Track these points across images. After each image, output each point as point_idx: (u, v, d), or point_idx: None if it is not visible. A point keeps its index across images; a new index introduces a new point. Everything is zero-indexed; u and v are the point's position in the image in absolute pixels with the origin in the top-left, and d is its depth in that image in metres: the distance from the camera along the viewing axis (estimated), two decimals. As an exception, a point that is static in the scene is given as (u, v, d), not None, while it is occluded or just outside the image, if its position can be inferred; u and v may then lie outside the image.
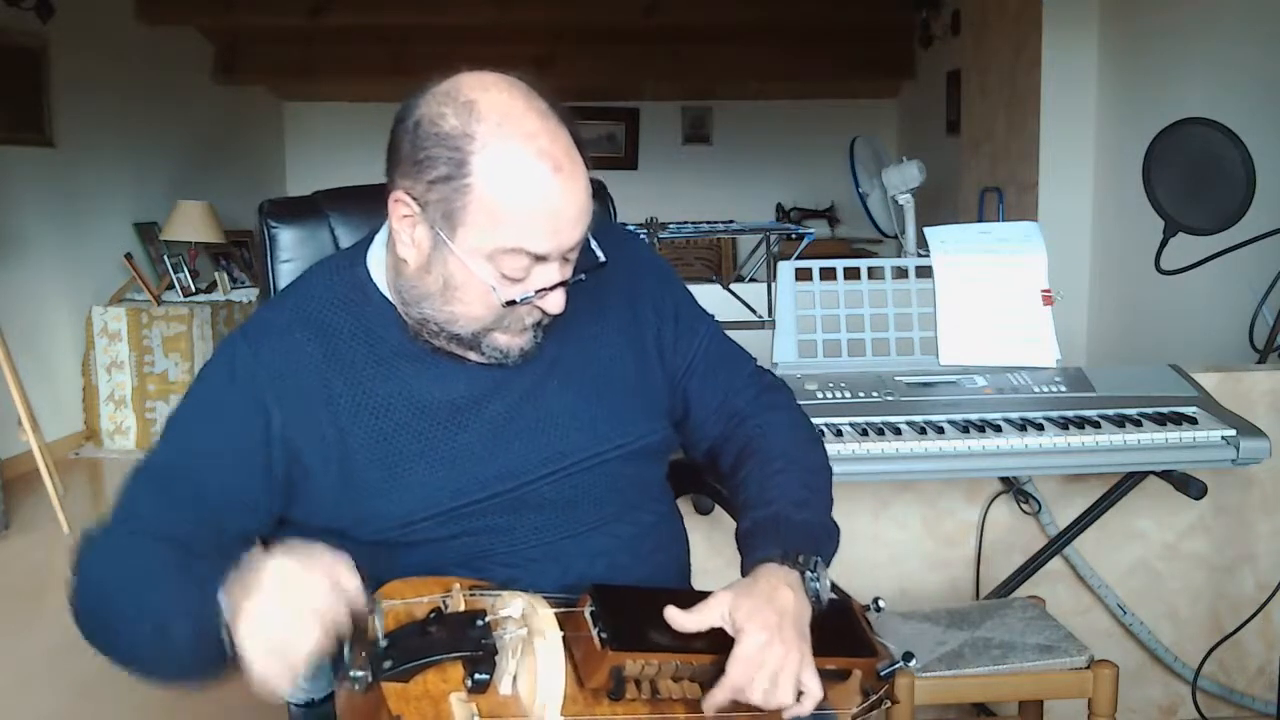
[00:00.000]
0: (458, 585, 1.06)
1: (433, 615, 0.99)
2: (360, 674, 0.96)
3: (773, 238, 3.05)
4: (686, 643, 1.05)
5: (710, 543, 1.73)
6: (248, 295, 5.57)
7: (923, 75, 6.47)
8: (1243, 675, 2.25)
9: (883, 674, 1.13)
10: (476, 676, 0.98)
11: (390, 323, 1.20)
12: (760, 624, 1.04)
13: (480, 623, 1.01)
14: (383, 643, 0.98)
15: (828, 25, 6.44)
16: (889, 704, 1.16)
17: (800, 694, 1.04)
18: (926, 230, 2.11)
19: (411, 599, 1.03)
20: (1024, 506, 2.16)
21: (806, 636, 1.06)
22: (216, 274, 5.64)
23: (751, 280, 3.23)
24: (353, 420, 1.16)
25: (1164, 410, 1.87)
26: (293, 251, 1.48)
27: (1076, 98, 4.01)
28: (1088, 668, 1.71)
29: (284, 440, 1.14)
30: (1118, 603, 2.18)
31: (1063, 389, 1.93)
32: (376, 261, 1.22)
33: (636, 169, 7.32)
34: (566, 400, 1.22)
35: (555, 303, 1.14)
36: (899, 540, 2.17)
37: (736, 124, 7.32)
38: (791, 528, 1.17)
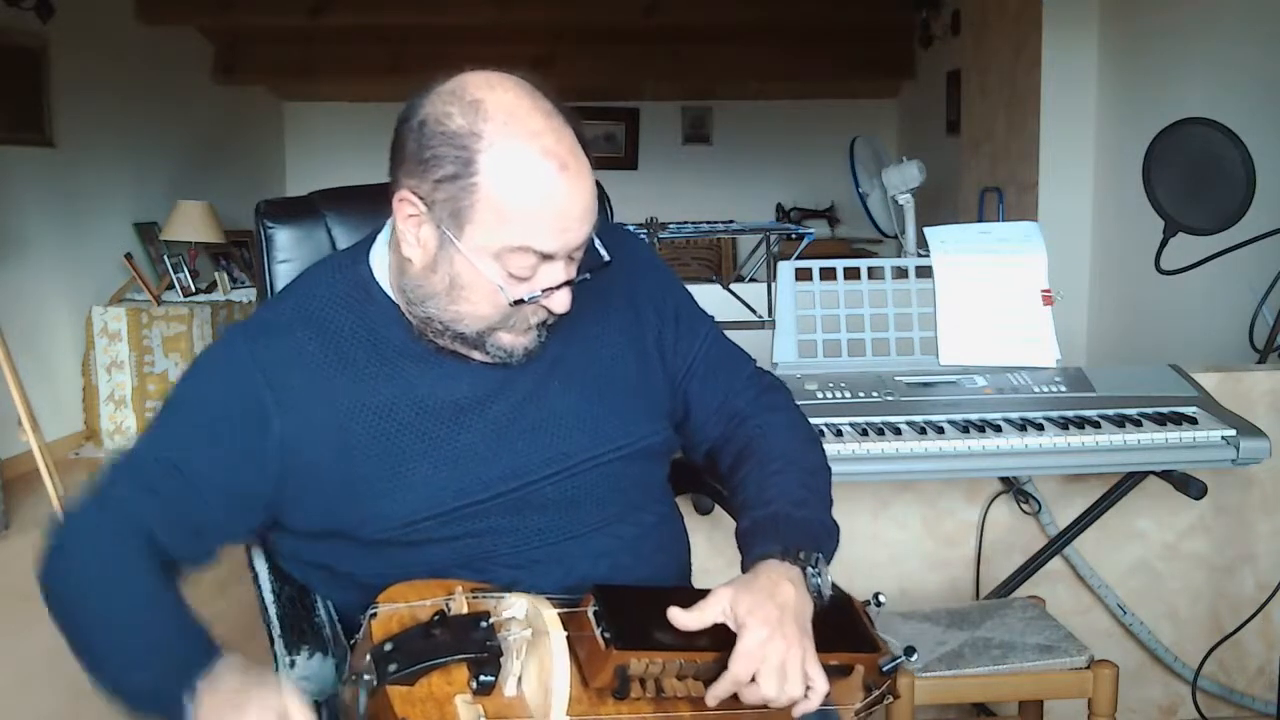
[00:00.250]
0: (460, 588, 1.06)
1: (436, 618, 1.00)
2: (365, 677, 0.96)
3: (773, 238, 3.05)
4: (690, 641, 1.05)
5: (710, 543, 1.73)
6: (248, 295, 5.57)
7: (923, 75, 6.47)
8: (1243, 675, 2.25)
9: (885, 669, 1.13)
10: (481, 678, 0.99)
11: (393, 322, 1.20)
12: (762, 618, 1.04)
13: (484, 624, 1.01)
14: (387, 646, 0.98)
15: (828, 25, 6.44)
16: (891, 699, 1.16)
17: (807, 689, 1.05)
18: (926, 230, 2.11)
19: (415, 602, 1.04)
20: (1024, 506, 2.16)
21: (808, 631, 1.07)
22: (216, 274, 5.64)
23: (751, 280, 3.23)
24: (354, 420, 1.15)
25: (1164, 410, 1.87)
26: (290, 252, 1.48)
27: (1076, 98, 4.01)
28: (1088, 668, 1.72)
29: (282, 441, 1.14)
30: (1118, 603, 2.18)
31: (1063, 389, 1.93)
32: (379, 261, 1.22)
33: (636, 169, 7.32)
34: (569, 401, 1.22)
35: (561, 302, 1.14)
36: (899, 540, 2.17)
37: (736, 124, 7.32)
38: (791, 525, 1.17)
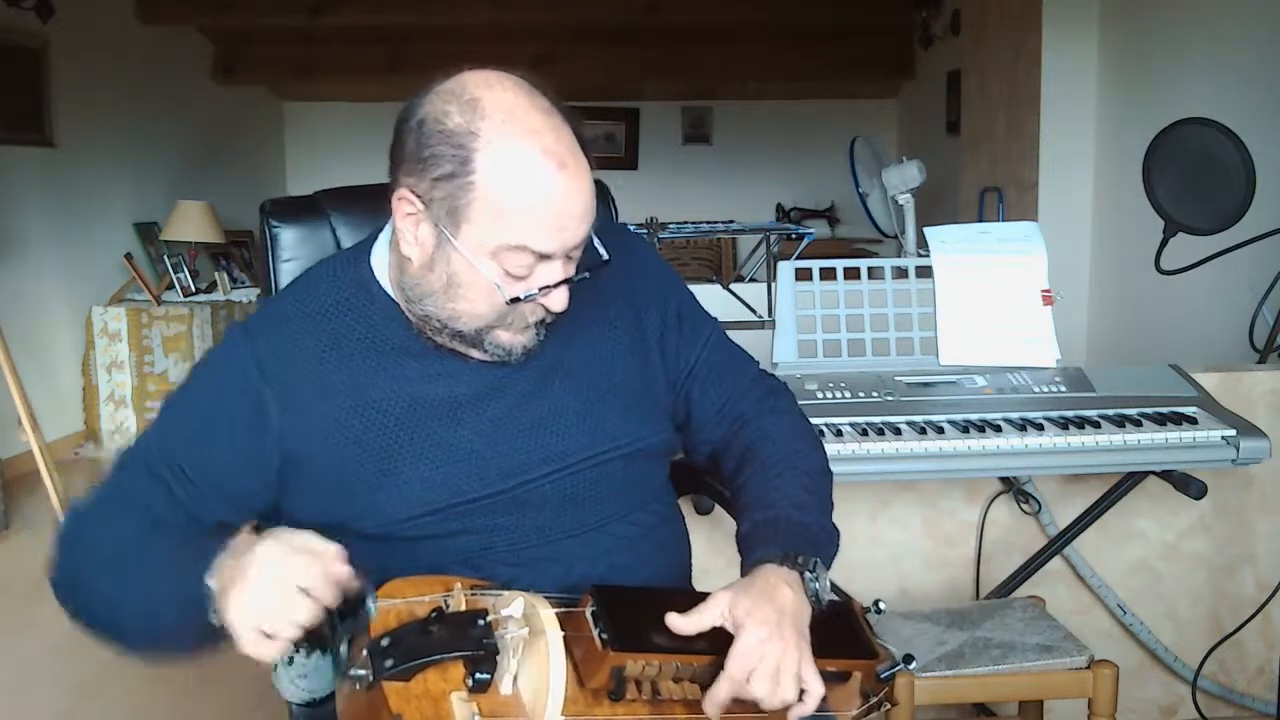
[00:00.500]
0: (459, 584, 1.06)
1: (434, 614, 1.00)
2: (361, 673, 0.96)
3: (773, 238, 3.05)
4: (687, 643, 1.05)
5: (711, 543, 1.73)
6: (248, 295, 5.57)
7: (923, 75, 6.47)
8: (1243, 675, 2.25)
9: (882, 676, 1.13)
10: (477, 676, 0.99)
11: (393, 320, 1.20)
12: (759, 619, 1.04)
13: (481, 622, 1.01)
14: (384, 641, 0.98)
15: (828, 25, 6.44)
16: (888, 706, 1.16)
17: (802, 692, 1.04)
18: (926, 230, 2.11)
19: (412, 598, 1.03)
20: (1024, 506, 2.16)
21: (806, 635, 1.06)
22: (216, 274, 5.64)
23: (751, 280, 3.23)
24: (353, 416, 1.16)
25: (1164, 410, 1.87)
26: (294, 251, 1.48)
27: (1076, 98, 4.01)
28: (1088, 668, 1.71)
29: (281, 437, 1.15)
30: (1118, 603, 2.18)
31: (1063, 389, 1.93)
32: (380, 260, 1.23)
33: (636, 169, 7.32)
34: (569, 400, 1.22)
35: (559, 300, 1.14)
36: (899, 540, 2.17)
37: (736, 124, 7.32)
38: (791, 529, 1.17)
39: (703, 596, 1.08)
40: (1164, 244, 2.26)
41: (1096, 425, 1.83)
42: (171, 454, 1.14)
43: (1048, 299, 2.03)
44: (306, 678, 1.34)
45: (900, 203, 3.41)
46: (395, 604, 1.02)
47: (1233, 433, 1.80)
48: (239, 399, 1.15)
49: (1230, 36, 3.20)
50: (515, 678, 1.02)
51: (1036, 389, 1.93)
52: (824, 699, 1.06)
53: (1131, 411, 1.86)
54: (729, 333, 1.41)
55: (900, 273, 2.08)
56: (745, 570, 1.15)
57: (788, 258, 2.18)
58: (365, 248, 1.26)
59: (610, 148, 7.26)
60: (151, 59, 5.70)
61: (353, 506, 1.16)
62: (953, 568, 2.18)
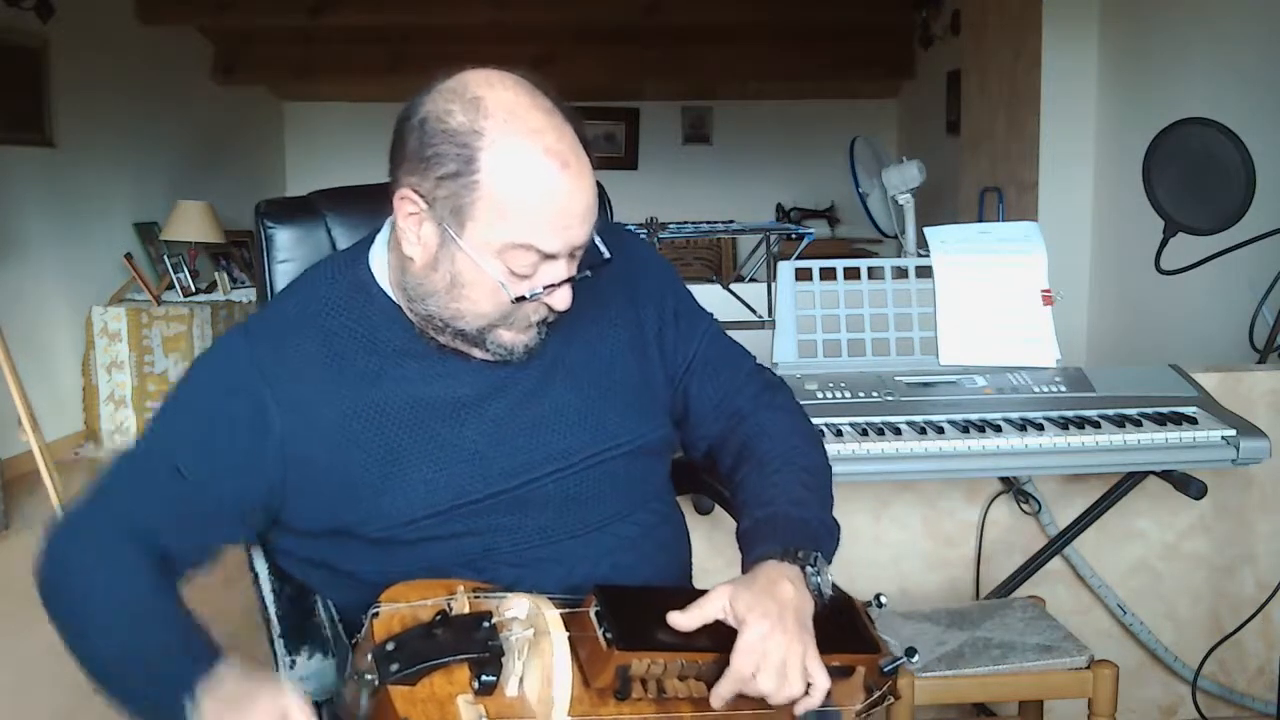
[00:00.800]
0: (462, 587, 1.06)
1: (438, 618, 1.00)
2: (367, 677, 0.96)
3: (773, 238, 3.05)
4: (692, 641, 1.05)
5: (711, 543, 1.73)
6: (248, 295, 5.57)
7: (923, 75, 6.47)
8: (1243, 675, 2.25)
9: (886, 670, 1.13)
10: (483, 678, 0.99)
11: (394, 321, 1.20)
12: (761, 613, 1.04)
13: (486, 624, 1.01)
14: (389, 645, 0.98)
15: (828, 25, 6.44)
16: (892, 700, 1.16)
17: (809, 685, 1.04)
18: (926, 230, 2.11)
19: (416, 601, 1.04)
20: (1024, 506, 2.16)
21: (809, 628, 1.06)
22: (216, 274, 5.64)
23: (751, 280, 3.23)
24: (355, 419, 1.16)
25: (1164, 410, 1.87)
26: (289, 252, 1.48)
27: (1076, 98, 4.01)
28: (1088, 668, 1.72)
29: (283, 441, 1.14)
30: (1118, 603, 2.18)
31: (1063, 389, 1.93)
32: (378, 260, 1.23)
33: (636, 169, 7.32)
34: (570, 399, 1.22)
35: (562, 299, 1.14)
36: (899, 540, 2.17)
37: (736, 124, 7.32)
38: (791, 525, 1.17)
39: (705, 594, 1.08)
40: (1164, 244, 2.27)
41: (1096, 425, 1.83)
42: (169, 456, 1.14)
43: (1048, 299, 2.03)
44: (307, 681, 1.34)
45: (900, 203, 3.41)
46: (399, 608, 1.02)
47: (1233, 433, 1.81)
48: (240, 402, 1.15)
49: (1230, 36, 3.20)
50: (521, 679, 1.03)
51: (1036, 389, 1.94)
52: (828, 693, 1.06)
53: (1131, 411, 1.87)
54: (729, 333, 1.41)
55: (900, 273, 2.08)
56: (746, 568, 1.15)
57: (788, 258, 2.18)
58: (363, 249, 1.26)
59: (610, 148, 7.26)
60: (151, 59, 5.70)
61: (356, 510, 1.15)
62: (953, 568, 2.18)
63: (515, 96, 1.10)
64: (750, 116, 7.27)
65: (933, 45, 6.12)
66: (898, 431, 1.81)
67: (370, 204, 1.35)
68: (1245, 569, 2.22)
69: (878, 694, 1.14)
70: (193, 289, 5.39)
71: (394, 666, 0.97)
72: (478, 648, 0.99)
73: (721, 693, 1.04)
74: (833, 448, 1.74)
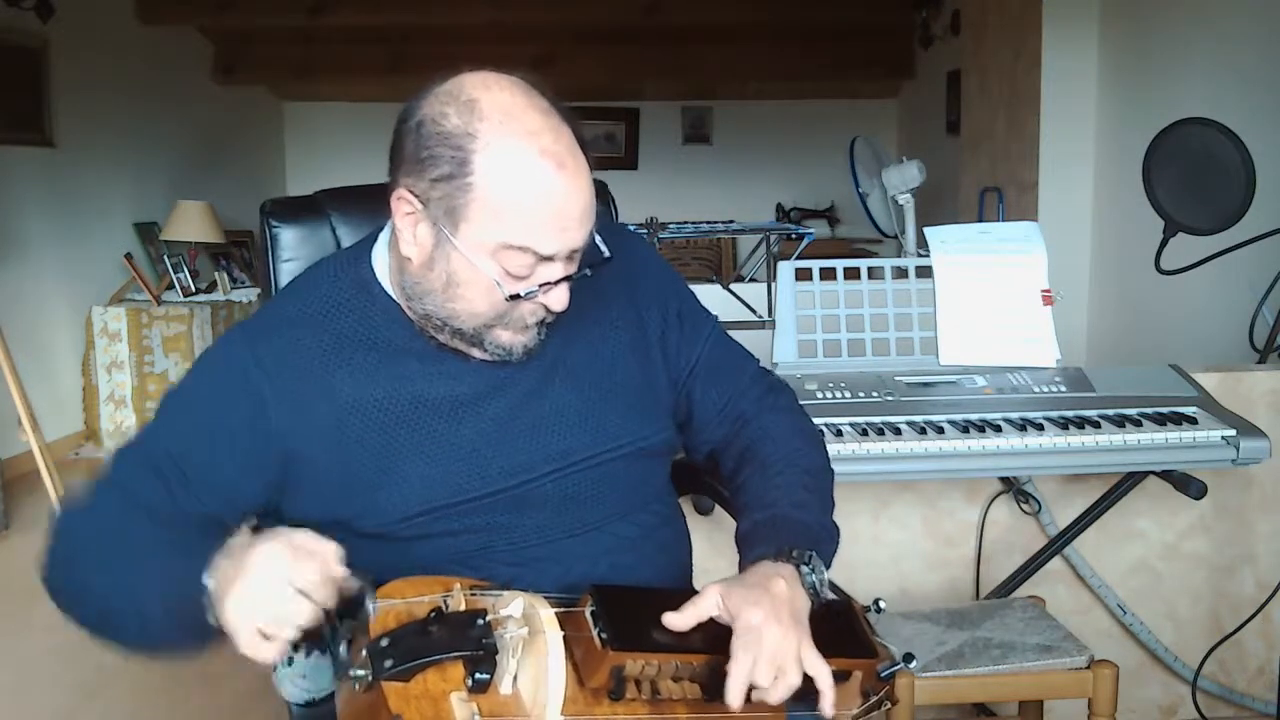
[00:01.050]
0: (458, 585, 1.06)
1: (433, 614, 0.99)
2: (361, 673, 0.96)
3: (773, 238, 3.05)
4: (686, 642, 1.05)
5: (711, 543, 1.73)
6: (248, 295, 5.57)
7: (923, 75, 6.47)
8: (1243, 675, 2.25)
9: (883, 675, 1.12)
10: (477, 676, 0.98)
11: (394, 320, 1.20)
12: (753, 605, 1.04)
13: (481, 622, 1.01)
14: (383, 642, 0.98)
15: (828, 25, 6.44)
16: (889, 705, 1.16)
17: (809, 681, 1.03)
18: (926, 230, 2.11)
19: (412, 598, 1.03)
20: (1024, 506, 2.16)
21: (804, 622, 1.06)
22: (216, 274, 5.64)
23: (751, 280, 3.22)
24: (353, 415, 1.16)
25: (1164, 410, 1.87)
26: (294, 251, 1.48)
27: (1076, 98, 4.01)
28: (1088, 668, 1.71)
29: (282, 436, 1.15)
30: (1118, 603, 2.18)
31: (1063, 389, 1.93)
32: (380, 260, 1.23)
33: (636, 169, 7.32)
34: (570, 399, 1.22)
35: (559, 299, 1.14)
36: (899, 540, 2.17)
37: (736, 124, 7.32)
38: (789, 526, 1.17)
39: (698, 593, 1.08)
40: (1164, 244, 2.26)
41: (1096, 425, 1.83)
42: (170, 451, 1.14)
43: (1048, 299, 2.03)
44: (306, 677, 1.34)
45: (900, 203, 3.41)
46: (395, 604, 1.02)
47: (1233, 433, 1.80)
48: (240, 398, 1.15)
49: (1230, 36, 3.20)
50: (515, 677, 1.02)
51: (1036, 389, 1.93)
52: (819, 698, 1.05)
53: (1131, 411, 1.86)
54: (729, 333, 1.41)
55: (900, 273, 2.08)
56: (743, 568, 1.15)
57: (788, 258, 2.18)
58: (365, 248, 1.26)
59: (610, 148, 7.26)
60: (151, 59, 5.70)
61: (353, 506, 1.16)
62: (953, 568, 2.18)
63: (511, 98, 1.10)
64: (750, 116, 7.27)
65: (933, 45, 6.12)
66: (898, 431, 1.80)
67: (375, 204, 1.35)
68: (1245, 569, 2.22)
69: (875, 699, 1.13)
70: (193, 289, 5.39)
71: (388, 663, 0.96)
72: (472, 645, 0.99)
73: (733, 689, 1.02)
74: (833, 448, 1.74)
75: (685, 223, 3.33)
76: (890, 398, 1.89)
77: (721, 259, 6.68)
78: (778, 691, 1.02)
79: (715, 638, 1.05)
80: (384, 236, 1.24)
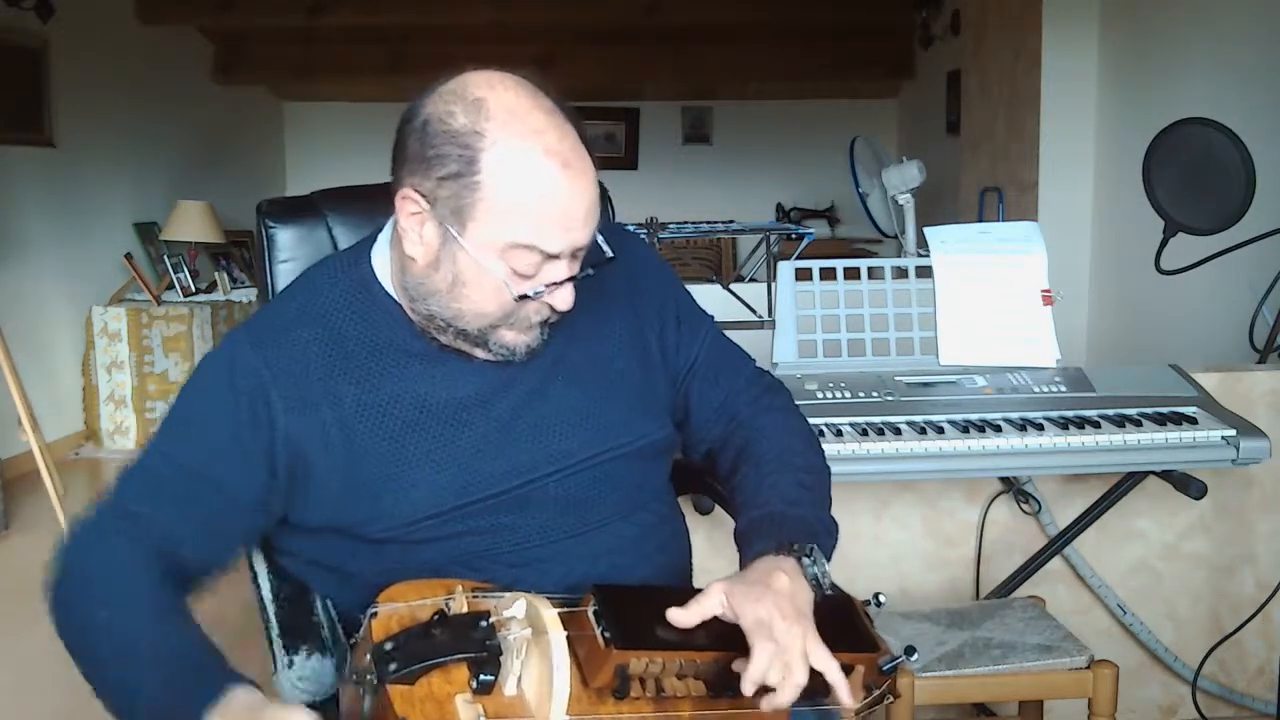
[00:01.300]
0: (460, 587, 1.06)
1: (436, 617, 1.00)
2: (366, 676, 0.96)
3: (773, 238, 3.05)
4: (690, 640, 1.05)
5: (710, 542, 1.73)
6: (248, 295, 5.57)
7: (923, 75, 6.47)
8: (1243, 675, 2.25)
9: (885, 669, 1.13)
10: (481, 677, 0.99)
11: (396, 321, 1.20)
12: (756, 601, 1.04)
13: (484, 624, 1.01)
14: (387, 645, 0.98)
15: (828, 25, 6.44)
16: (891, 699, 1.16)
17: (815, 677, 1.03)
18: (926, 230, 2.11)
19: (415, 601, 1.04)
20: (1024, 506, 2.16)
21: (808, 615, 1.06)
22: (216, 274, 5.64)
23: (751, 280, 3.23)
24: (358, 419, 1.16)
25: (1164, 410, 1.87)
26: (291, 251, 1.48)
27: (1076, 98, 4.01)
28: (1088, 668, 1.72)
29: (287, 440, 1.14)
30: (1118, 603, 2.18)
31: (1063, 389, 1.93)
32: (380, 260, 1.23)
33: (636, 169, 7.32)
34: (571, 399, 1.22)
35: (564, 298, 1.14)
36: (899, 540, 2.17)
37: (736, 124, 7.32)
38: (787, 522, 1.18)
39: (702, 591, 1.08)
40: (1164, 244, 2.27)
41: (1096, 425, 1.83)
42: (183, 463, 1.13)
43: (1048, 299, 2.03)
44: (306, 680, 1.34)
45: (900, 203, 3.41)
46: (397, 608, 1.02)
47: (1233, 433, 1.80)
48: (245, 403, 1.15)
49: (1230, 36, 3.20)
50: (519, 678, 1.03)
51: (1036, 389, 1.94)
52: (827, 693, 1.05)
53: (1131, 411, 1.87)
54: (729, 333, 1.41)
55: (900, 273, 2.08)
56: (743, 566, 1.15)
57: (788, 258, 2.18)
58: (364, 249, 1.26)
59: (610, 148, 7.26)
60: (151, 59, 5.70)
61: (359, 511, 1.16)
62: (953, 568, 2.18)
63: (517, 98, 1.10)
64: (750, 116, 7.27)
65: (933, 45, 6.12)
66: (898, 431, 1.81)
67: (372, 204, 1.35)
68: (1245, 569, 2.22)
69: (877, 693, 1.14)
70: (193, 289, 5.39)
71: (392, 666, 0.97)
72: (476, 647, 0.99)
73: (751, 681, 1.01)
74: (833, 448, 1.74)
75: (685, 223, 3.34)
76: (890, 398, 1.89)
77: (721, 259, 6.68)
78: (786, 692, 1.01)
79: (719, 635, 1.05)
80: (384, 236, 1.24)
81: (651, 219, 3.00)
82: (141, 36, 5.62)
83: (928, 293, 2.05)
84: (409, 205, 1.13)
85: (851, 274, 2.07)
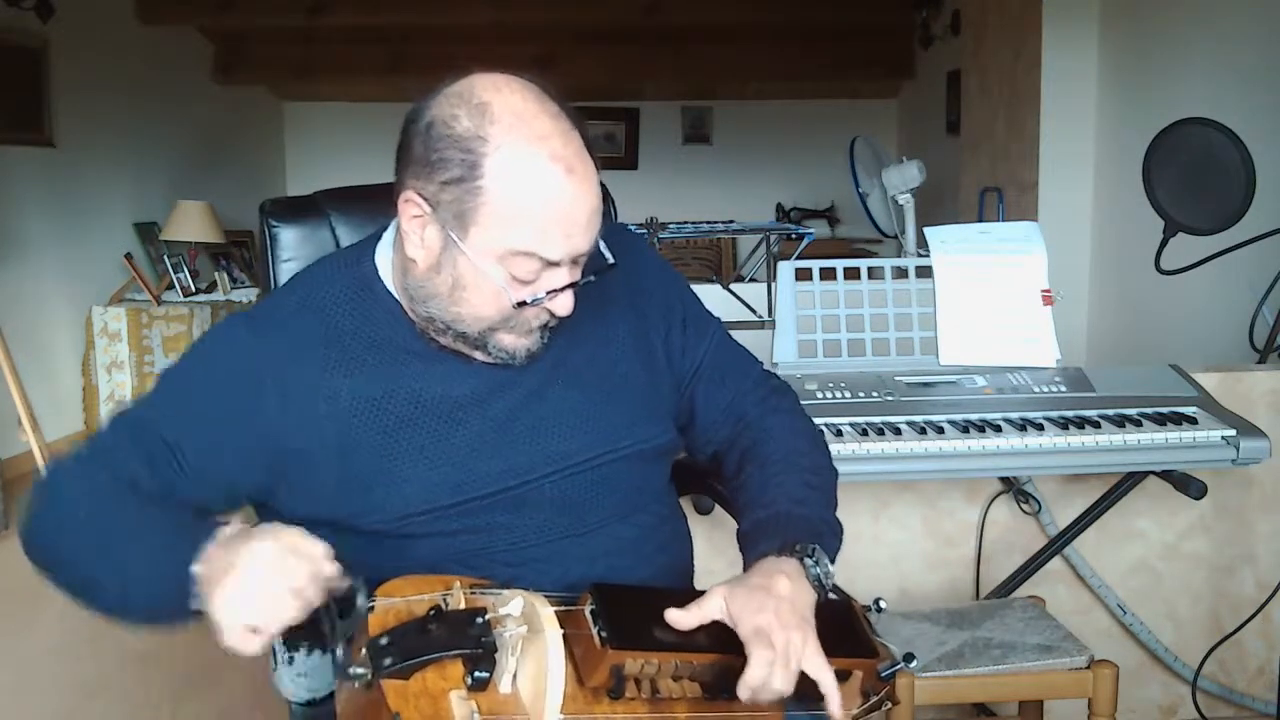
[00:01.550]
0: (458, 583, 1.06)
1: (433, 613, 1.00)
2: (360, 671, 0.96)
3: (773, 238, 3.05)
4: (687, 641, 1.05)
5: (711, 543, 1.73)
6: (248, 295, 5.57)
7: (923, 75, 6.47)
8: (1243, 675, 2.25)
9: (883, 675, 1.12)
10: (476, 674, 0.99)
11: (396, 320, 1.20)
12: (757, 609, 1.03)
13: (480, 620, 1.01)
14: (383, 640, 0.98)
15: (828, 25, 6.44)
16: (889, 705, 1.16)
17: (812, 685, 1.03)
18: (926, 230, 2.11)
19: (412, 596, 1.03)
20: (1024, 506, 2.16)
21: (809, 620, 1.05)
22: (216, 274, 5.64)
23: (751, 280, 3.23)
24: (352, 413, 1.16)
25: (1164, 410, 1.87)
26: (294, 251, 1.48)
27: (1076, 98, 4.01)
28: (1088, 668, 1.71)
29: (280, 431, 1.14)
30: (1118, 603, 2.18)
31: (1063, 389, 1.93)
32: (384, 259, 1.23)
33: (636, 169, 7.32)
34: (571, 401, 1.22)
35: (564, 305, 1.14)
36: (899, 540, 2.17)
37: (736, 124, 7.32)
38: (790, 522, 1.17)
39: (703, 595, 1.08)
40: (1164, 244, 2.26)
41: (1096, 425, 1.83)
42: (163, 430, 1.13)
43: (1048, 299, 2.03)
44: (306, 676, 1.34)
45: (900, 203, 3.41)
46: (394, 603, 1.02)
47: (1233, 433, 1.80)
48: (239, 388, 1.15)
49: (1230, 36, 3.20)
50: (514, 676, 1.02)
51: (1036, 389, 1.93)
52: (819, 699, 1.05)
53: (1131, 411, 1.86)
54: (729, 333, 1.41)
55: (900, 273, 2.08)
56: (746, 567, 1.15)
57: (788, 258, 2.18)
58: (368, 247, 1.26)
59: (610, 148, 7.26)
60: (151, 59, 5.70)
61: (351, 504, 1.16)
62: (953, 568, 2.18)
63: (522, 102, 1.10)
64: (750, 116, 7.27)
65: (933, 45, 6.12)
66: (898, 431, 1.80)
67: (374, 204, 1.35)
68: (1245, 569, 2.22)
69: (875, 699, 1.13)
70: (193, 289, 5.39)
71: (387, 660, 0.96)
72: (471, 643, 0.99)
73: (748, 687, 1.01)
74: (833, 448, 1.72)
75: (685, 223, 3.34)
76: (890, 398, 1.89)
77: (721, 259, 6.68)
78: (764, 695, 1.02)
79: (715, 637, 1.05)
80: (388, 236, 1.24)
81: (651, 219, 3.00)
82: (141, 36, 5.62)
83: (928, 293, 2.05)
84: (411, 208, 1.13)
85: (851, 274, 2.07)
